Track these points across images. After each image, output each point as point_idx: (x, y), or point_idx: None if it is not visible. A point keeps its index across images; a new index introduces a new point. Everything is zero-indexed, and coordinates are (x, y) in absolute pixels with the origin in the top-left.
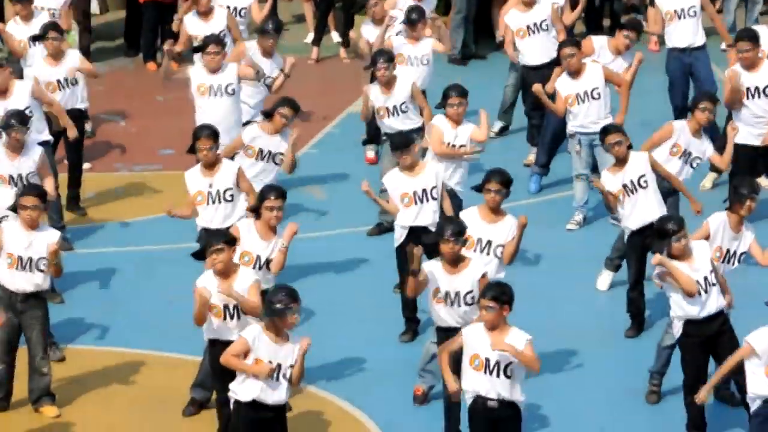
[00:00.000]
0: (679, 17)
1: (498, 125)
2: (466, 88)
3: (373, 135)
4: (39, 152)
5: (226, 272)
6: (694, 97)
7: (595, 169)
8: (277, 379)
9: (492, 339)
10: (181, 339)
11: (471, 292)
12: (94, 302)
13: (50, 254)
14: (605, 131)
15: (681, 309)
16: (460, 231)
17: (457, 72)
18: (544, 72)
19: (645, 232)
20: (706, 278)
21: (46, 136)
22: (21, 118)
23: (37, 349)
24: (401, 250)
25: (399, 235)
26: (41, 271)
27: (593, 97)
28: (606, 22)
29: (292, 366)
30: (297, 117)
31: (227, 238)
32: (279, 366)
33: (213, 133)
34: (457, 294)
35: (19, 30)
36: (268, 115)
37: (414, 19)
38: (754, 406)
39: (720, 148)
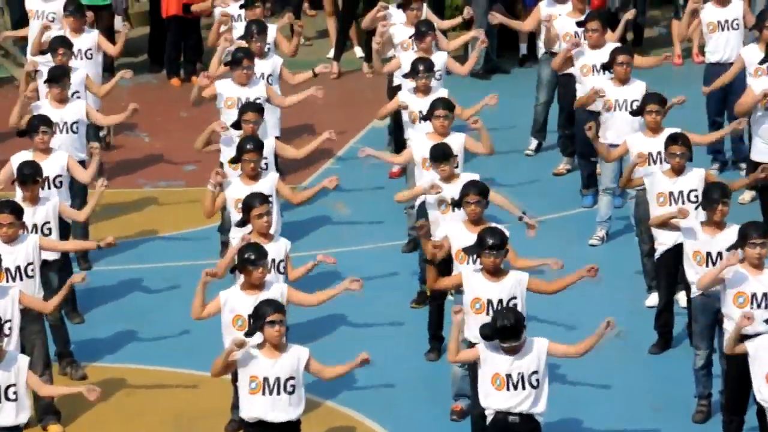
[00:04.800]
0: (722, 29)
1: (533, 143)
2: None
3: (400, 149)
4: (65, 157)
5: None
6: (642, 99)
7: None
8: (278, 393)
9: (511, 356)
10: (206, 357)
11: (515, 298)
12: (118, 319)
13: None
14: (673, 139)
15: (732, 321)
16: (501, 243)
17: (479, 86)
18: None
19: (677, 250)
20: (765, 294)
21: (82, 156)
22: (47, 122)
23: (38, 365)
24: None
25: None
26: (31, 277)
27: (631, 109)
28: (629, 36)
29: (292, 378)
30: (318, 131)
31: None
32: (277, 379)
33: (259, 146)
34: (500, 302)
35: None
36: (237, 125)
37: (423, 32)
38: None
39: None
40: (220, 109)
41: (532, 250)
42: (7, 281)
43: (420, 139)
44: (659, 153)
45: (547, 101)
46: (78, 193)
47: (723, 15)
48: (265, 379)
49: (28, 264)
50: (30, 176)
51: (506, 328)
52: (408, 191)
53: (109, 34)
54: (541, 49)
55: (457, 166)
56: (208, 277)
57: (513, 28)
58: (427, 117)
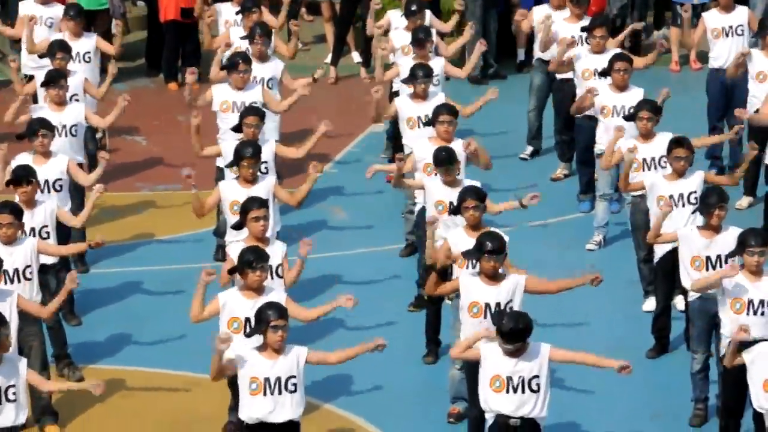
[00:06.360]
0: (727, 35)
1: (529, 149)
2: (488, 107)
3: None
4: (65, 161)
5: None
6: (635, 106)
7: (619, 188)
8: (280, 393)
9: (513, 359)
10: (204, 359)
11: (511, 302)
12: (116, 322)
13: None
14: (678, 142)
15: (728, 326)
16: (500, 247)
17: (477, 91)
18: (573, 83)
19: (674, 253)
20: (762, 301)
21: (81, 160)
22: (47, 125)
23: (35, 366)
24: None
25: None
26: (29, 280)
27: (624, 114)
28: (627, 43)
29: (293, 376)
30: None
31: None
32: (278, 379)
33: (258, 151)
34: (497, 305)
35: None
36: (237, 129)
37: (421, 39)
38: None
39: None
40: (216, 112)
41: (529, 254)
42: (5, 283)
43: (423, 144)
44: (653, 159)
45: (538, 107)
46: (75, 195)
47: (728, 21)
48: (266, 380)
49: (27, 267)
50: (22, 177)
51: (512, 331)
52: (408, 182)
53: (107, 37)
54: (536, 55)
55: (458, 173)
56: (209, 278)
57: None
58: (432, 122)
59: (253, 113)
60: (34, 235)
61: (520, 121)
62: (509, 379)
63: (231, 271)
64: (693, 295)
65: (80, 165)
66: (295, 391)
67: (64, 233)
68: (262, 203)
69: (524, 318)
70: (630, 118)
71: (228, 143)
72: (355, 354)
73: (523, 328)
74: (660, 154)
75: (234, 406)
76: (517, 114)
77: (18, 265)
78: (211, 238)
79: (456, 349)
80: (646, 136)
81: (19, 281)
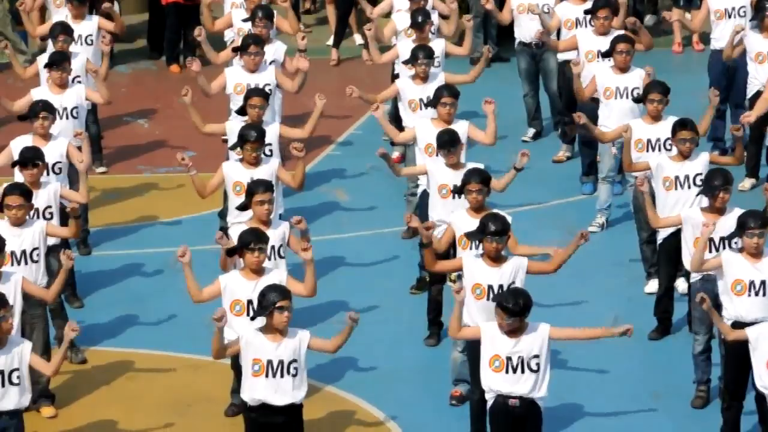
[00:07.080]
0: (729, 16)
1: (530, 132)
2: (489, 89)
3: None
4: (65, 144)
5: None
6: (645, 87)
7: (621, 170)
8: (282, 376)
9: (512, 339)
10: (205, 341)
11: (514, 284)
12: (118, 304)
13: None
14: (682, 124)
15: (729, 308)
16: (503, 229)
17: None
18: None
19: (678, 236)
20: (763, 282)
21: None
22: (49, 108)
23: (38, 349)
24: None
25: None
26: (36, 262)
27: (633, 96)
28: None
29: (295, 360)
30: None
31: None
32: (281, 362)
33: (262, 134)
34: (500, 287)
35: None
36: (242, 111)
37: (420, 22)
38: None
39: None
40: (230, 94)
41: (532, 236)
42: (12, 265)
43: (424, 125)
44: (658, 140)
45: (532, 89)
46: (75, 179)
47: (730, 2)
48: (269, 362)
49: (34, 249)
50: (30, 159)
51: (511, 306)
52: (410, 169)
53: (108, 20)
54: (517, 39)
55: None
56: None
57: (496, 19)
58: (433, 104)
59: (258, 94)
60: (38, 217)
61: (522, 103)
62: (509, 359)
63: (230, 252)
64: (695, 277)
65: (80, 148)
66: (296, 375)
67: (62, 216)
68: (267, 187)
69: (524, 294)
70: (639, 100)
71: (235, 123)
72: (345, 338)
73: (522, 303)
74: (666, 136)
75: (237, 389)
76: (519, 96)
77: (25, 246)
78: (212, 220)
79: (451, 332)
80: (656, 117)
81: (26, 263)
